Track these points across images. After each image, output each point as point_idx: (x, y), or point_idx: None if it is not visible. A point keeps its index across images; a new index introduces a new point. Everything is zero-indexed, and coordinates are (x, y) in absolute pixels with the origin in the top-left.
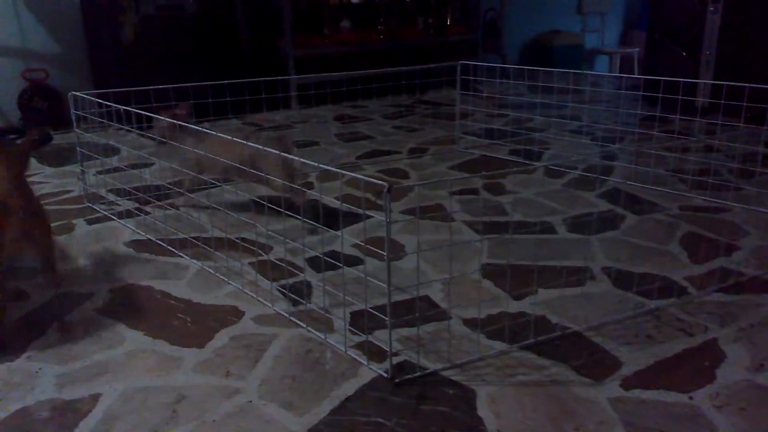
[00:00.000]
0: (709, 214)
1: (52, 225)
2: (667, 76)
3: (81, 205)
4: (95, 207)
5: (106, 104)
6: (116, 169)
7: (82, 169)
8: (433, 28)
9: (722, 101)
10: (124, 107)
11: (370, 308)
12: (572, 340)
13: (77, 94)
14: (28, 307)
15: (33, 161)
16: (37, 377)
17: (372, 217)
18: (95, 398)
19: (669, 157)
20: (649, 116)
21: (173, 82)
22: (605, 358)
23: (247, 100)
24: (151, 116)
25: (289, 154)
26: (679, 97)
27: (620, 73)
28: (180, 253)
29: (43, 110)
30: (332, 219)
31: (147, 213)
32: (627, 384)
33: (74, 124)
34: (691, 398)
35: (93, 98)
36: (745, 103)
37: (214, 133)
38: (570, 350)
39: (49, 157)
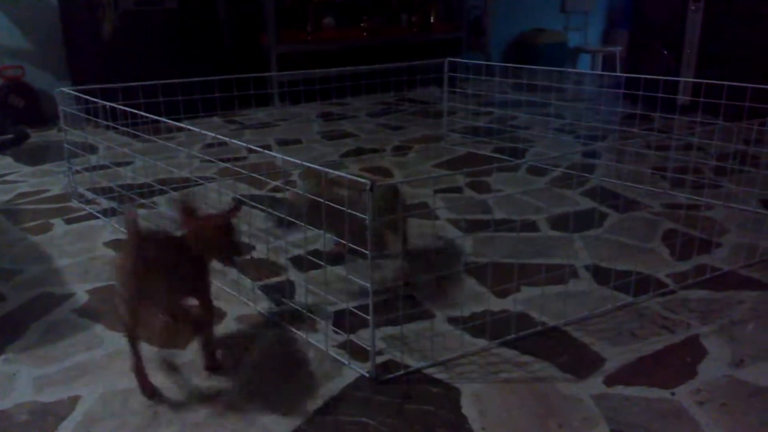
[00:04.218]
0: (690, 212)
1: (32, 224)
2: (649, 74)
3: (59, 204)
4: (76, 205)
5: (93, 101)
6: (102, 167)
7: (69, 166)
8: (416, 26)
9: (701, 99)
10: (110, 104)
11: (353, 307)
12: (555, 337)
13: (65, 90)
14: (6, 308)
15: (9, 160)
16: (14, 379)
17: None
18: (74, 401)
19: (650, 154)
20: (630, 114)
21: (153, 79)
22: (588, 354)
23: (229, 97)
24: (136, 113)
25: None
26: (659, 95)
27: (603, 71)
28: None
29: (20, 108)
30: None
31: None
32: (610, 380)
33: (61, 120)
34: (673, 394)
35: (80, 94)
36: (723, 101)
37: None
38: (553, 347)
39: (25, 155)
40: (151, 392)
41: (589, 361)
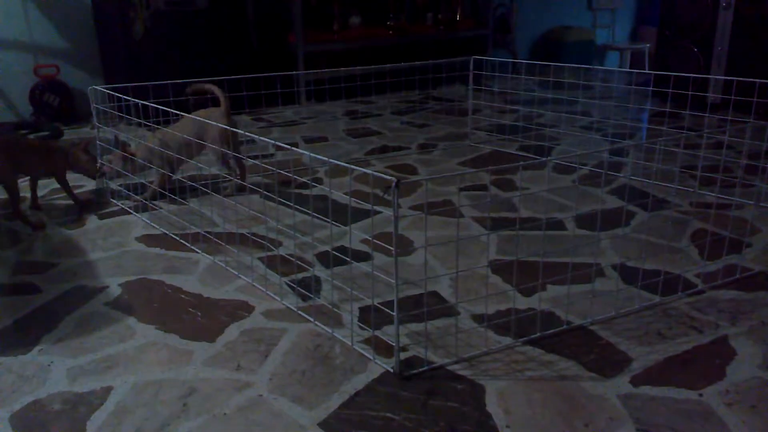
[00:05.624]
0: (720, 211)
1: (66, 219)
2: (679, 72)
3: (92, 200)
4: (109, 201)
5: (125, 98)
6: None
7: (101, 163)
8: (442, 24)
9: (732, 97)
10: (142, 101)
11: (378, 303)
12: (581, 336)
13: (98, 88)
14: (41, 300)
15: None
16: (48, 370)
17: (381, 212)
18: (107, 391)
19: (679, 153)
20: (659, 112)
21: (183, 78)
22: (615, 354)
23: (257, 95)
24: (167, 110)
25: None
26: (689, 92)
27: (631, 69)
28: (191, 247)
29: (54, 105)
30: (341, 214)
31: (159, 207)
32: (637, 380)
33: (94, 118)
34: (701, 395)
35: (113, 92)
36: (755, 99)
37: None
38: (579, 346)
39: None
40: (39, 225)
41: (615, 361)
